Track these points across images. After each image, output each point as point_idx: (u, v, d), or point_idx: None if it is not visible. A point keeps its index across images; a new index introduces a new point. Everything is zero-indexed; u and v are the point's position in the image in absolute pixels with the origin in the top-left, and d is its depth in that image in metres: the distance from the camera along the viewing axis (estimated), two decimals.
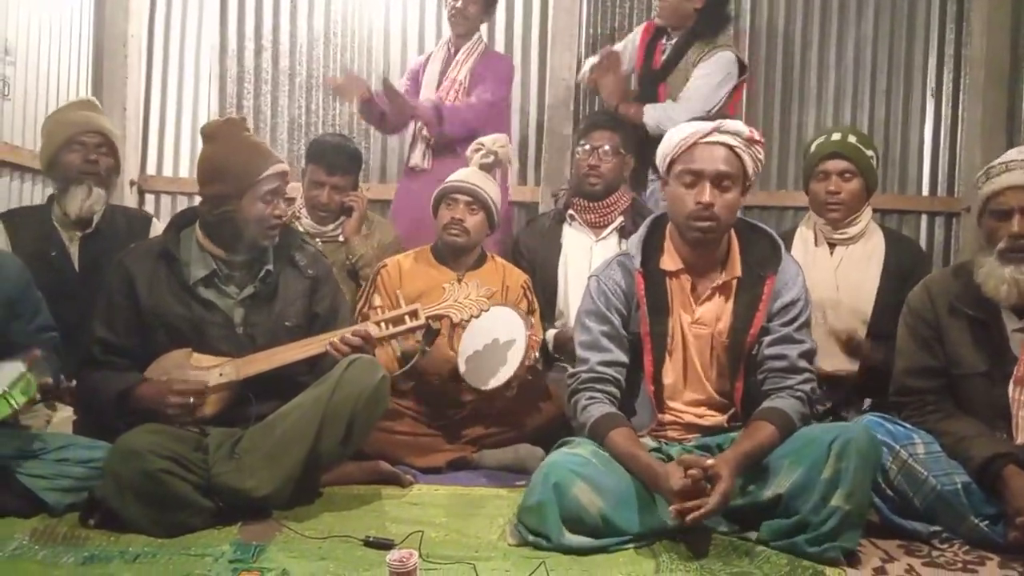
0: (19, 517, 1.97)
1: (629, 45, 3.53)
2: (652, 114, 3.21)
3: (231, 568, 1.72)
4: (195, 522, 1.95)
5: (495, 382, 2.51)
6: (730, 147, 2.07)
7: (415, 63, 3.65)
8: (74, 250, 2.70)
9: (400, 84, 3.53)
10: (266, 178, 2.23)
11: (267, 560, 1.78)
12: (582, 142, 3.06)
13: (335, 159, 3.13)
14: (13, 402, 1.87)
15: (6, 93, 3.26)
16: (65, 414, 2.40)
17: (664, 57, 3.38)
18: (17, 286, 2.18)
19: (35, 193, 3.43)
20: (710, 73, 3.24)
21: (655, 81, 3.36)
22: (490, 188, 2.86)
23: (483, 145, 2.93)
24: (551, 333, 2.89)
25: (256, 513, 2.02)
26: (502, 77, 3.48)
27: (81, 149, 2.69)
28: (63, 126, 2.72)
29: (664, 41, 3.41)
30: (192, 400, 2.11)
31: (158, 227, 2.94)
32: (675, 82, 3.31)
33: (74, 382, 2.20)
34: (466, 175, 2.86)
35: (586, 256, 3.00)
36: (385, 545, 1.84)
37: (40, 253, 2.56)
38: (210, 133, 2.30)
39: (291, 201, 2.44)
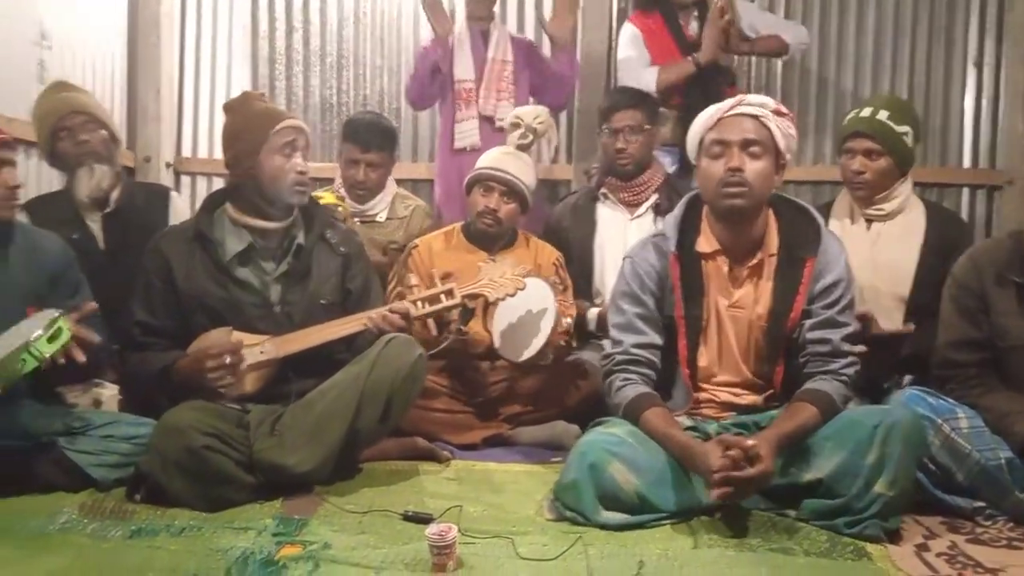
0: (68, 492, 2.02)
1: (631, 48, 3.41)
2: (789, 33, 3.38)
3: (274, 541, 1.75)
4: (238, 497, 1.98)
5: (528, 352, 2.51)
6: (756, 117, 2.03)
7: (427, 54, 3.48)
8: (97, 230, 2.73)
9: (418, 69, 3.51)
10: (279, 131, 2.26)
11: (309, 534, 1.80)
12: (604, 125, 3.01)
13: (369, 136, 3.14)
14: (37, 352, 1.80)
15: (44, 77, 3.30)
16: (111, 393, 2.45)
17: (695, 27, 3.36)
18: (59, 263, 2.22)
19: None
20: (758, 12, 3.43)
21: (699, 50, 3.33)
22: (525, 174, 2.82)
23: (521, 121, 2.89)
24: (593, 312, 2.87)
25: (298, 488, 2.05)
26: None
27: (69, 134, 2.68)
28: (45, 116, 2.72)
29: (682, 19, 3.37)
30: (228, 360, 2.12)
31: (176, 200, 2.98)
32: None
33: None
34: (503, 160, 2.82)
35: (621, 234, 2.98)
36: (424, 519, 1.86)
37: (64, 236, 2.59)
38: (229, 107, 2.38)
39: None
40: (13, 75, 3.15)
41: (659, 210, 2.96)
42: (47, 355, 1.82)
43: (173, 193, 3.03)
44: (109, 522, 1.86)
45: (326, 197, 2.96)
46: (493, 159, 2.84)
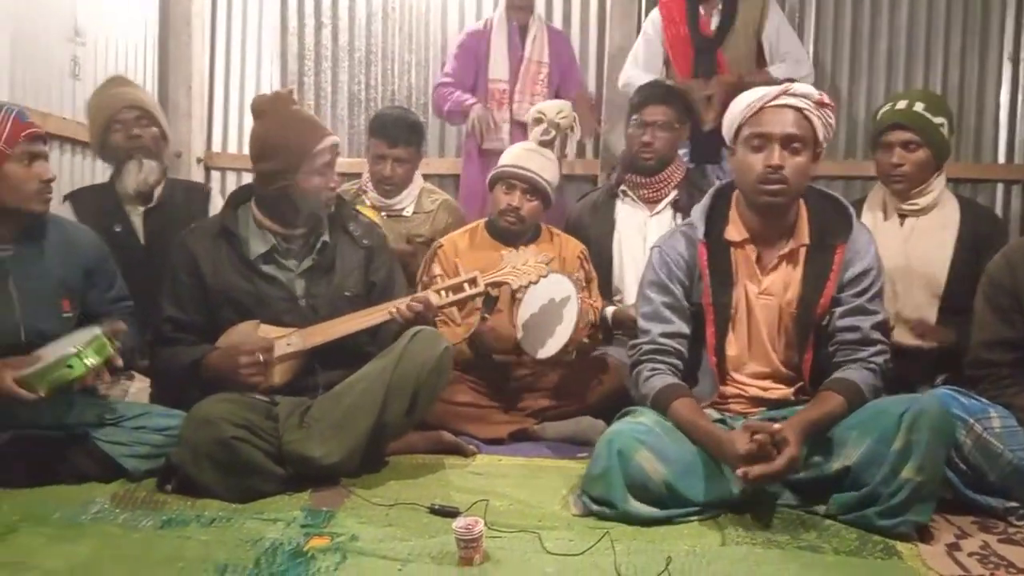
0: (100, 482, 2.05)
1: (652, 32, 3.44)
2: (786, 74, 3.19)
3: (302, 532, 1.77)
4: (267, 488, 2.00)
5: (551, 349, 2.51)
6: (799, 110, 2.00)
7: (464, 38, 3.56)
8: (139, 224, 2.77)
9: (448, 60, 3.53)
10: (319, 152, 2.25)
11: (337, 525, 1.82)
12: (635, 117, 2.98)
13: (396, 131, 3.15)
14: (87, 360, 1.89)
15: (77, 73, 3.35)
16: (142, 385, 2.48)
17: (715, 23, 3.31)
18: (94, 257, 2.25)
19: (105, 170, 3.51)
20: (787, 25, 3.28)
21: (711, 49, 3.31)
22: (548, 171, 2.81)
23: (544, 116, 2.87)
24: (609, 310, 2.86)
25: (325, 480, 2.06)
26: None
27: (122, 127, 2.74)
28: (100, 109, 2.77)
29: (703, 10, 3.35)
30: (260, 358, 2.14)
31: (216, 199, 3.00)
32: (735, 45, 3.26)
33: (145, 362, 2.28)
34: (525, 157, 2.81)
35: (640, 231, 2.96)
36: (450, 513, 1.86)
37: (106, 229, 2.63)
38: (259, 109, 2.32)
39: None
40: (47, 72, 3.20)
41: (678, 206, 2.94)
42: (92, 364, 1.90)
43: (214, 192, 3.06)
44: (140, 512, 1.89)
45: (364, 212, 2.92)
46: (515, 156, 2.83)
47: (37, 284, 2.09)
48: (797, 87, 2.04)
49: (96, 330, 1.97)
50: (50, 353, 1.93)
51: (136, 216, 2.77)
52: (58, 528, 1.78)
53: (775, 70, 3.26)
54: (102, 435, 2.09)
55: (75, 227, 2.30)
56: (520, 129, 3.36)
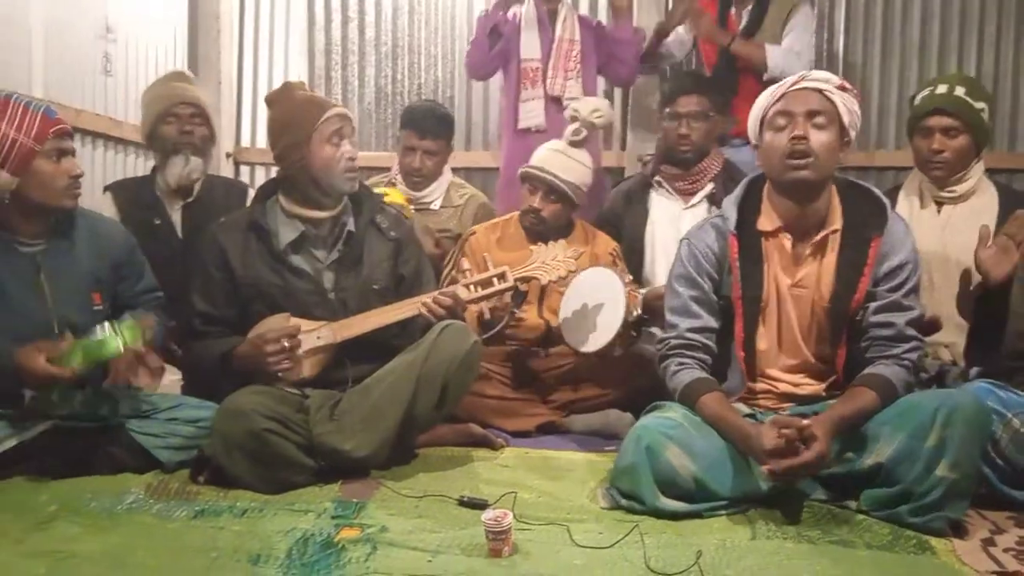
0: (134, 473, 2.08)
1: (683, 33, 3.44)
2: (776, 58, 3.15)
3: (333, 524, 1.78)
4: (298, 479, 2.02)
5: (595, 344, 2.50)
6: (820, 91, 1.99)
7: (489, 17, 3.47)
8: (177, 218, 2.80)
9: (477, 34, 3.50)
10: (326, 120, 2.28)
11: (367, 517, 1.83)
12: (668, 109, 2.95)
13: (426, 123, 3.17)
14: (122, 338, 1.96)
15: (108, 70, 3.40)
16: (174, 377, 2.51)
17: (743, 24, 3.28)
18: (122, 250, 2.28)
19: (137, 165, 3.58)
20: (807, 26, 3.18)
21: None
22: (572, 173, 2.78)
23: (578, 115, 2.84)
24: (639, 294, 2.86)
25: (355, 472, 2.08)
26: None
27: (176, 121, 2.77)
28: (158, 99, 2.82)
29: (733, 11, 3.32)
30: (286, 344, 2.16)
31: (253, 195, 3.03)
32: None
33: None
34: (548, 159, 2.80)
35: (674, 224, 2.93)
36: (479, 505, 1.87)
37: (145, 222, 2.67)
38: (271, 99, 2.40)
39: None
40: (80, 68, 3.25)
41: (714, 200, 2.91)
42: (128, 342, 1.97)
43: (251, 189, 3.08)
44: (174, 502, 1.91)
45: (393, 195, 2.94)
46: (539, 158, 2.82)
47: (68, 278, 2.13)
48: (816, 73, 2.05)
49: (127, 318, 2.03)
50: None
51: (175, 210, 2.80)
52: (94, 518, 1.81)
53: (773, 51, 3.21)
54: (136, 427, 2.12)
55: (104, 220, 2.34)
56: (555, 105, 3.34)
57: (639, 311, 2.57)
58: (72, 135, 2.15)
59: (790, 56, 3.19)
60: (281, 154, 2.32)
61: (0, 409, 2.01)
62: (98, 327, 2.00)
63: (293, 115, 2.30)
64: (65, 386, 2.01)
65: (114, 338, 1.96)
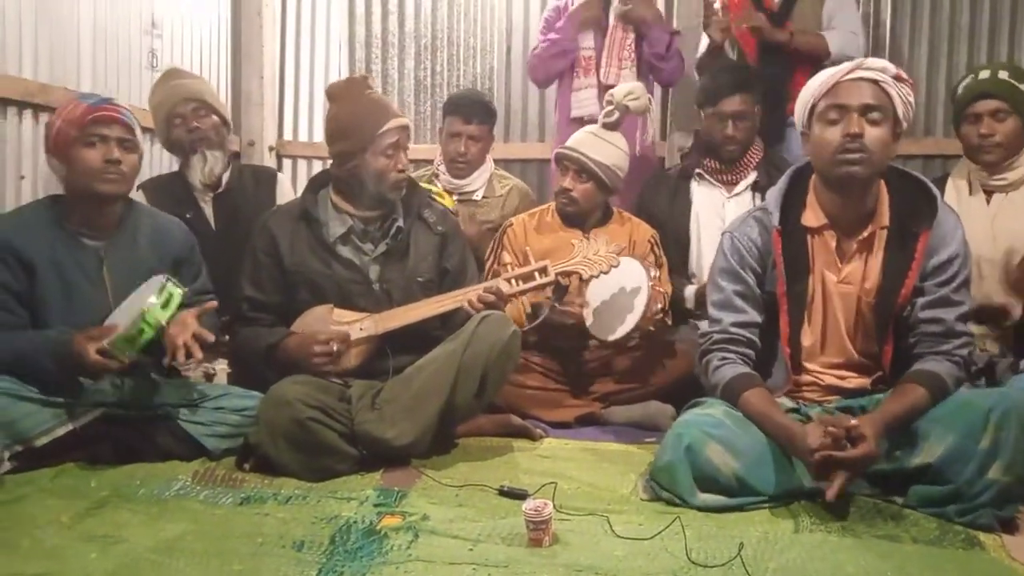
0: (182, 460, 2.12)
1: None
2: (837, 42, 3.07)
3: (375, 512, 1.80)
4: (341, 468, 2.04)
5: (618, 333, 2.49)
6: (876, 82, 1.91)
7: (548, 14, 3.47)
8: (209, 210, 2.84)
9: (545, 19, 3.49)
10: (385, 132, 2.28)
11: (408, 505, 1.85)
12: (710, 108, 2.89)
13: (471, 108, 3.20)
14: (152, 320, 1.98)
15: (155, 64, 3.45)
16: (220, 367, 2.56)
17: (778, 4, 3.21)
18: (183, 248, 2.33)
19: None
20: (851, 3, 3.16)
21: (776, 23, 3.18)
22: (603, 154, 2.75)
23: (612, 98, 2.83)
24: (690, 289, 2.83)
25: (396, 461, 2.10)
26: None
27: (182, 121, 2.79)
28: (160, 105, 2.84)
29: None
30: (335, 348, 2.19)
31: (283, 181, 3.06)
32: (800, 21, 3.14)
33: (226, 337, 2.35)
34: (580, 140, 2.78)
35: (718, 213, 2.91)
36: (519, 495, 1.88)
37: (178, 216, 2.71)
38: (334, 93, 2.38)
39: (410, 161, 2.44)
40: (127, 64, 3.31)
41: (757, 187, 2.88)
42: (163, 322, 1.99)
43: (280, 175, 3.12)
44: (220, 489, 1.95)
45: (445, 201, 2.93)
46: (573, 139, 2.81)
47: (129, 272, 2.17)
48: (872, 61, 1.95)
49: (162, 279, 2.05)
50: (123, 316, 2.03)
51: (206, 203, 2.84)
52: (143, 504, 1.85)
53: (832, 36, 3.12)
54: (184, 415, 2.16)
55: (166, 218, 2.38)
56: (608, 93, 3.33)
57: (661, 305, 2.55)
58: (121, 123, 2.15)
59: (848, 37, 3.13)
60: (336, 156, 2.34)
61: (58, 397, 2.06)
62: (136, 300, 2.03)
63: (353, 120, 2.29)
64: (115, 375, 2.05)
65: (149, 326, 1.97)
